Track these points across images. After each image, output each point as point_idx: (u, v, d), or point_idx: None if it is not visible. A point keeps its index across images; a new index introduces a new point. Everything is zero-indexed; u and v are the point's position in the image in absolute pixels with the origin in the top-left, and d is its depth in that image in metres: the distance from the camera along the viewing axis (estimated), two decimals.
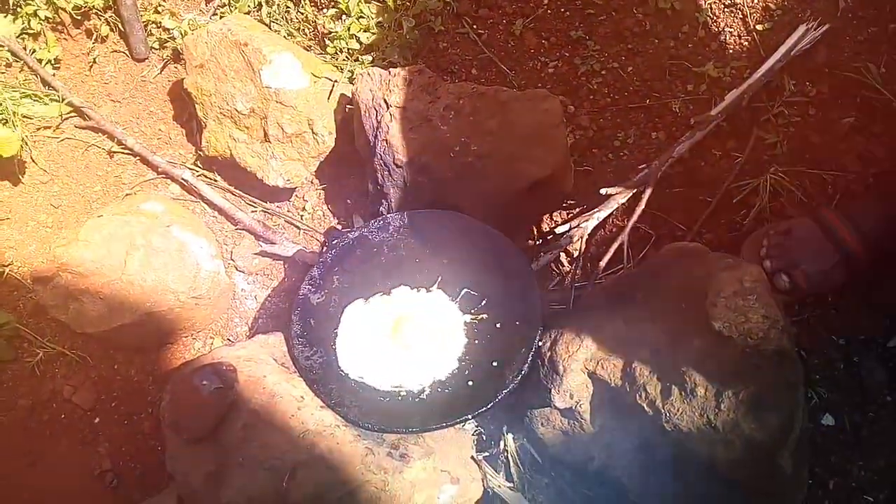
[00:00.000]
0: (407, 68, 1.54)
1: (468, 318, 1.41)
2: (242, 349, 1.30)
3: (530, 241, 1.66)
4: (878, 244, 1.43)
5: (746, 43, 1.72)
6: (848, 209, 1.47)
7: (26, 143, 1.76)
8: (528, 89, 1.61)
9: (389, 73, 1.53)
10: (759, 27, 1.71)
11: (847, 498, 1.40)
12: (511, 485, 1.35)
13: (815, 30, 1.64)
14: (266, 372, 1.25)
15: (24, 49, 1.84)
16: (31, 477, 1.54)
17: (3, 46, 1.83)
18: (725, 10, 1.73)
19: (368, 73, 1.55)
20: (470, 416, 1.25)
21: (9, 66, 1.85)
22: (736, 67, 1.69)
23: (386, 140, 1.48)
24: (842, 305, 1.52)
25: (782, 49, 1.63)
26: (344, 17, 1.78)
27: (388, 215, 1.47)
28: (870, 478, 1.40)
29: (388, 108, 1.49)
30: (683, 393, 1.08)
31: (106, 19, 1.86)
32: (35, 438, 1.57)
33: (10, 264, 1.69)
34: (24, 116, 1.79)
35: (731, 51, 1.72)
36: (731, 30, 1.72)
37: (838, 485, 1.41)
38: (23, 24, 1.84)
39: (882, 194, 1.48)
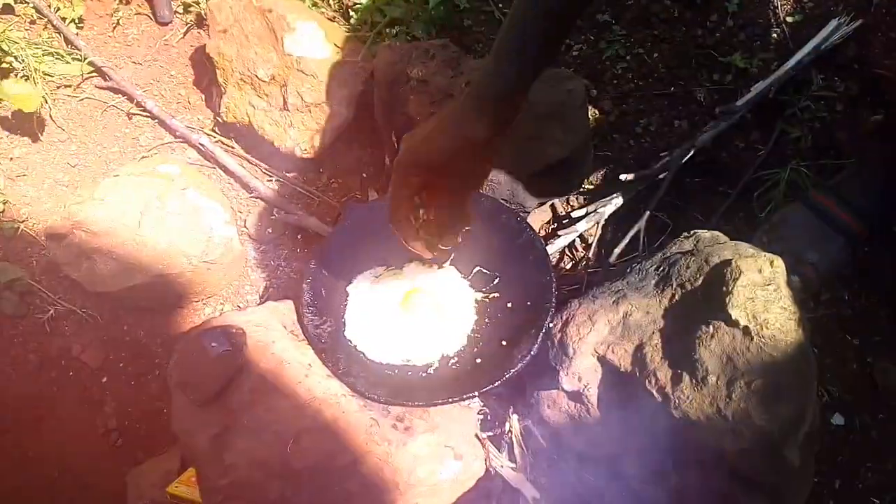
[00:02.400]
0: (430, 42, 1.53)
1: (479, 295, 1.40)
2: (253, 314, 1.29)
3: (546, 224, 1.64)
4: (879, 218, 1.42)
5: (775, 35, 1.69)
6: (839, 188, 1.45)
7: (46, 101, 1.76)
8: (551, 69, 1.59)
9: (412, 46, 1.52)
10: (788, 19, 1.68)
11: (853, 499, 1.39)
12: (514, 465, 1.34)
13: (846, 25, 1.61)
14: (275, 338, 1.24)
15: (49, 7, 1.84)
16: (37, 432, 1.56)
17: (28, 3, 1.83)
18: (756, 0, 1.70)
19: (390, 46, 1.53)
20: (476, 394, 1.24)
21: (33, 22, 1.85)
22: (763, 59, 1.67)
23: (405, 113, 1.47)
24: (857, 306, 1.50)
25: (812, 43, 1.61)
26: None
27: None
28: (877, 480, 1.39)
29: (408, 81, 1.48)
30: (694, 380, 1.07)
31: None
32: (43, 394, 1.58)
33: (25, 220, 1.69)
34: (46, 74, 1.79)
35: (759, 42, 1.69)
36: (761, 21, 1.70)
37: (844, 485, 1.40)
38: None
39: (870, 168, 1.46)
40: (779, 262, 1.09)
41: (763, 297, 1.05)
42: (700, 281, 1.14)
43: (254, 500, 1.13)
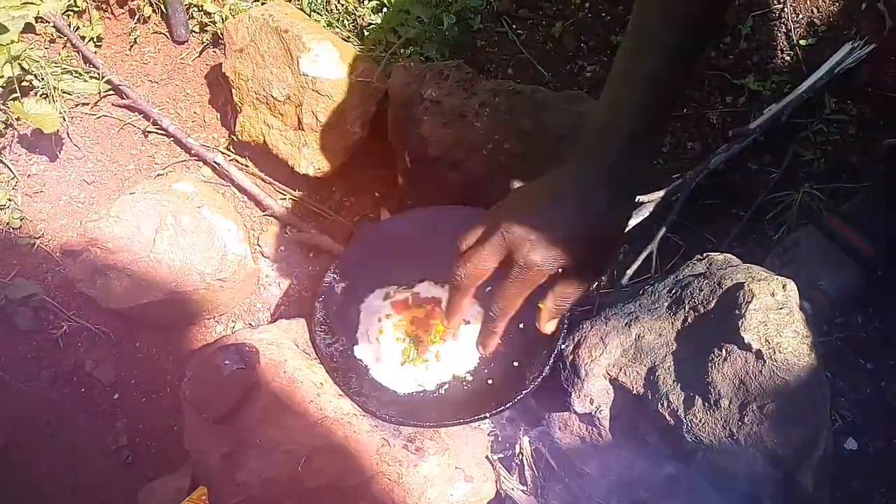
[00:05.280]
0: (444, 63, 1.54)
1: None
2: (265, 332, 1.30)
3: None
4: (890, 241, 1.41)
5: (789, 58, 1.69)
6: (852, 212, 1.45)
7: (64, 119, 1.78)
8: (565, 91, 1.60)
9: (427, 67, 1.53)
10: (802, 42, 1.69)
11: None
12: (524, 488, 1.34)
13: (860, 48, 1.62)
14: (287, 356, 1.25)
15: (69, 26, 1.86)
16: (49, 448, 1.56)
17: (48, 22, 1.85)
18: (769, 23, 1.71)
19: (405, 66, 1.55)
20: (488, 416, 1.24)
21: (52, 41, 1.87)
22: (777, 82, 1.67)
23: (418, 134, 1.48)
24: (871, 329, 1.50)
25: (826, 66, 1.61)
26: (384, 9, 1.78)
27: (417, 209, 1.47)
28: None
29: (422, 101, 1.49)
30: (707, 403, 1.07)
31: (149, 1, 1.88)
32: (55, 410, 1.59)
33: (40, 237, 1.71)
34: (64, 92, 1.81)
35: (772, 65, 1.69)
36: (774, 44, 1.70)
37: None
38: (69, 1, 1.86)
39: (883, 192, 1.46)
40: (791, 286, 1.09)
41: (776, 321, 1.05)
42: (713, 304, 1.14)
43: None
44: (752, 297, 1.07)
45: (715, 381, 1.07)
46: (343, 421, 1.19)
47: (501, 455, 1.37)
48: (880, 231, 1.42)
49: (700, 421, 1.07)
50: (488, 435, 1.38)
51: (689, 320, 1.17)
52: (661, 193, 1.57)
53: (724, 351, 1.08)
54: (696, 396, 1.09)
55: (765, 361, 1.03)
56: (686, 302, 1.18)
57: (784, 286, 1.09)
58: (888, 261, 1.45)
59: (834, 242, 1.44)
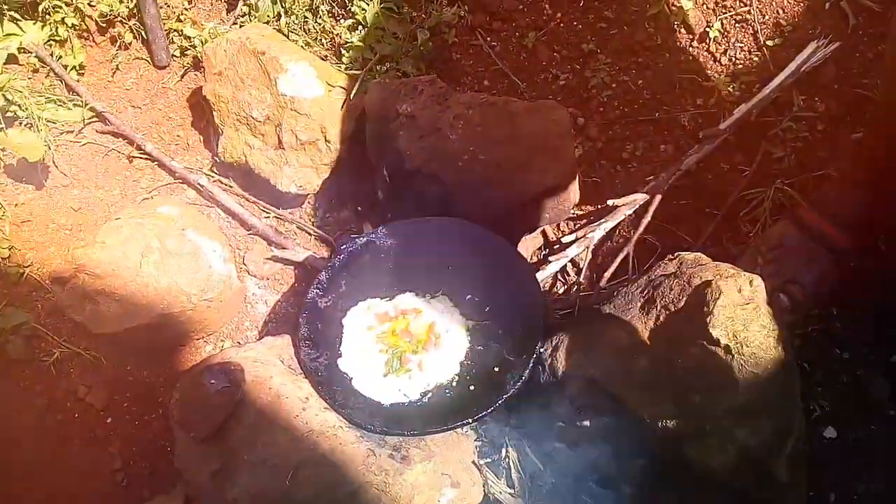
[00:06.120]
0: (418, 78, 1.57)
1: (471, 323, 1.43)
2: (251, 350, 1.32)
3: (537, 250, 1.68)
4: (862, 231, 1.44)
5: (756, 58, 1.73)
6: (824, 204, 1.47)
7: (49, 147, 1.81)
8: (537, 100, 1.64)
9: (401, 82, 1.56)
10: (769, 43, 1.72)
11: None
12: (512, 491, 1.36)
13: (825, 47, 1.65)
14: (273, 373, 1.28)
15: (51, 55, 1.89)
16: (44, 473, 1.58)
17: (31, 53, 1.88)
18: (736, 25, 1.75)
19: (380, 83, 1.58)
20: (470, 421, 1.26)
21: (35, 71, 1.90)
22: (745, 82, 1.71)
23: (395, 148, 1.51)
24: (846, 319, 1.52)
25: (792, 65, 1.64)
26: (360, 27, 1.82)
27: (396, 222, 1.50)
28: (871, 492, 1.40)
29: (398, 116, 1.52)
30: (679, 399, 1.10)
31: (130, 27, 1.91)
32: (50, 436, 1.61)
33: (30, 265, 1.73)
34: (48, 121, 1.84)
35: (740, 66, 1.73)
36: (742, 45, 1.74)
37: (839, 498, 1.41)
38: (50, 31, 1.89)
39: (853, 181, 1.48)
40: (758, 281, 1.12)
41: (742, 316, 1.08)
42: (683, 302, 1.18)
43: None
44: (720, 294, 1.10)
45: (687, 377, 1.10)
46: (329, 433, 1.21)
47: (489, 459, 1.39)
48: (851, 221, 1.45)
49: (673, 416, 1.10)
50: (475, 441, 1.41)
51: (661, 319, 1.20)
52: (635, 196, 1.60)
53: (694, 347, 1.11)
54: (669, 392, 1.12)
55: (733, 356, 1.06)
56: (658, 301, 1.21)
57: (751, 282, 1.12)
58: (862, 250, 1.48)
59: (808, 235, 1.47)
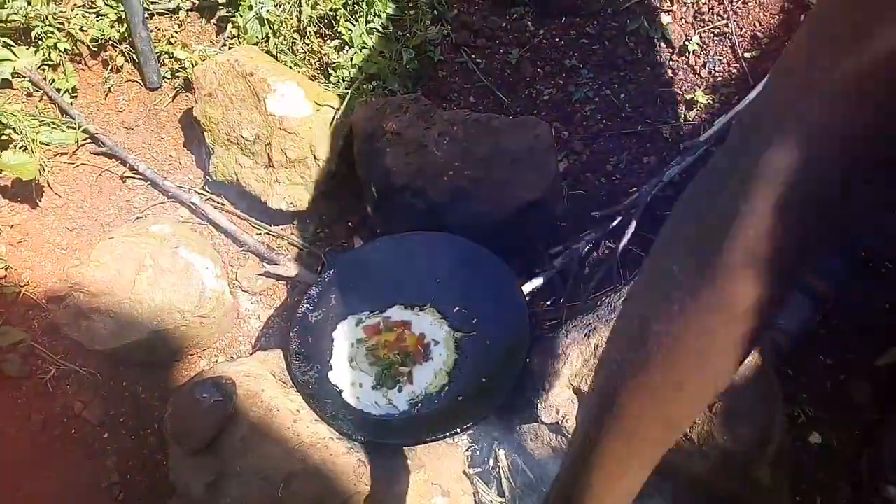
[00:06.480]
0: (403, 96, 1.61)
1: (459, 335, 1.46)
2: (243, 365, 1.35)
3: (523, 263, 1.71)
4: (837, 275, 1.48)
5: (735, 70, 1.77)
6: None
7: (43, 169, 1.84)
8: (521, 116, 1.67)
9: (387, 101, 1.60)
10: (747, 55, 1.76)
11: None
12: (503, 500, 1.39)
13: None
14: (264, 386, 1.30)
15: (45, 79, 1.93)
16: (42, 488, 1.60)
17: (24, 77, 1.92)
18: (715, 38, 1.79)
19: (367, 101, 1.61)
20: (459, 431, 1.29)
21: (29, 95, 1.94)
22: (725, 94, 1.75)
23: (383, 164, 1.54)
24: (829, 326, 1.55)
25: (769, 76, 1.68)
26: (347, 47, 1.85)
27: (385, 237, 1.53)
28: (857, 497, 1.43)
29: (384, 133, 1.56)
30: None
31: (121, 51, 1.95)
32: (47, 452, 1.63)
33: (26, 284, 1.76)
34: (43, 143, 1.87)
35: (720, 78, 1.77)
36: (721, 58, 1.78)
37: (825, 502, 1.44)
38: (43, 55, 1.93)
39: None
40: None
41: None
42: None
43: None
44: None
45: None
46: (320, 445, 1.24)
47: (479, 469, 1.42)
48: (831, 268, 1.49)
49: None
50: (465, 451, 1.43)
51: None
52: (619, 207, 1.63)
53: None
54: None
55: None
56: None
57: None
58: (837, 294, 1.51)
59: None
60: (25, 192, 1.83)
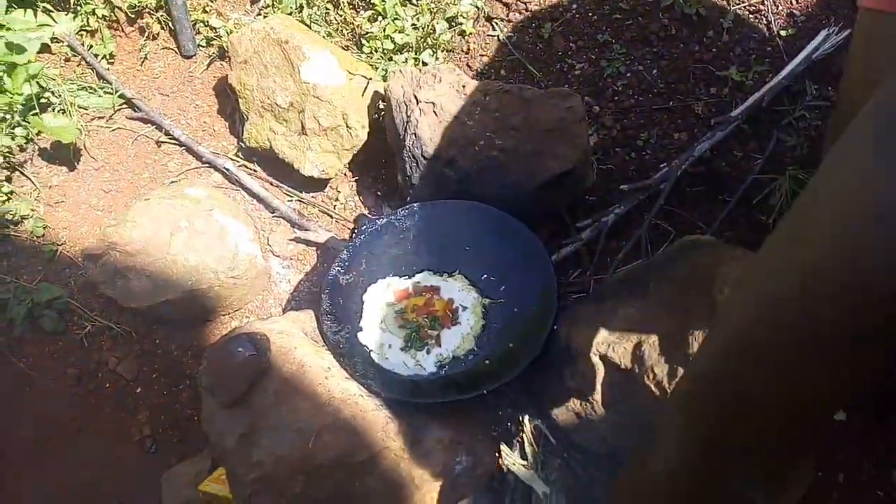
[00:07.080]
0: (437, 66, 1.62)
1: (487, 301, 1.48)
2: (275, 323, 1.38)
3: (552, 234, 1.72)
4: None
5: (769, 48, 1.76)
6: None
7: (81, 132, 1.88)
8: (552, 88, 1.68)
9: (420, 71, 1.62)
10: (782, 32, 1.75)
11: (857, 492, 1.43)
12: (525, 463, 1.41)
13: (836, 35, 1.68)
14: (297, 344, 1.33)
15: (82, 45, 1.97)
16: (76, 441, 1.65)
17: (63, 42, 1.96)
18: (750, 15, 1.78)
19: (401, 71, 1.63)
20: (485, 392, 1.31)
21: (68, 60, 1.98)
22: (759, 71, 1.74)
23: (415, 134, 1.56)
24: None
25: (804, 53, 1.68)
26: (380, 18, 1.87)
27: (415, 204, 1.55)
28: (880, 473, 1.43)
29: (417, 103, 1.57)
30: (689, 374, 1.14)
31: (158, 18, 1.98)
32: (81, 405, 1.68)
33: (63, 244, 1.81)
34: (80, 107, 1.91)
35: (754, 55, 1.76)
36: (755, 35, 1.77)
37: (847, 479, 1.44)
38: (82, 21, 1.97)
39: None
40: None
41: None
42: (693, 282, 1.22)
43: (280, 494, 1.21)
44: (727, 274, 1.15)
45: (695, 352, 1.14)
46: (350, 401, 1.26)
47: (503, 432, 1.44)
48: None
49: None
50: (489, 413, 1.45)
51: (672, 298, 1.24)
52: (648, 182, 1.64)
53: (703, 325, 1.15)
54: (679, 367, 1.16)
55: None
56: (669, 281, 1.25)
57: None
58: None
59: None
60: (63, 154, 1.87)
